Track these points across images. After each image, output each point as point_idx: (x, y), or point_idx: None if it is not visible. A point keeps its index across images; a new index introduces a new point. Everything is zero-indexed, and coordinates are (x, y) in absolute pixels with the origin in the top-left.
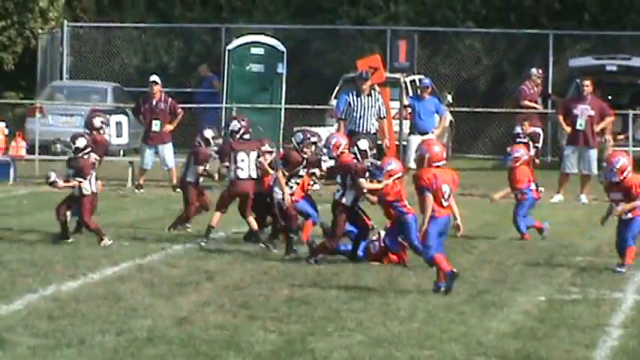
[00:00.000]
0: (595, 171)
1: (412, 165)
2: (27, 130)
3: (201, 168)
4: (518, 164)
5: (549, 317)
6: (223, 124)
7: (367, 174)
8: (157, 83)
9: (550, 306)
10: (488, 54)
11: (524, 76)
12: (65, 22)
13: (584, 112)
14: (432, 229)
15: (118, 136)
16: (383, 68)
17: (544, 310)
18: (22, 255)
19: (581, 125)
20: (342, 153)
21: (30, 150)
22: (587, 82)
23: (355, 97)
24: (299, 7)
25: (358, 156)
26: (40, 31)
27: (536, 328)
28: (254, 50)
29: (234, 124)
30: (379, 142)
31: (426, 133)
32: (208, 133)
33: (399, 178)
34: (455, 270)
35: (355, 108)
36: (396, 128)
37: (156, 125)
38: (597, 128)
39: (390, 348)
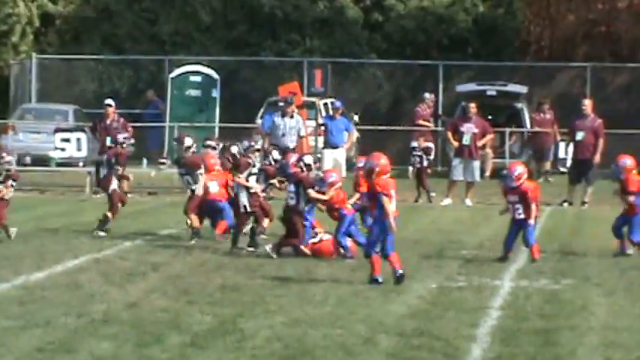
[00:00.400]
0: (478, 179)
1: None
2: (2, 145)
3: (273, 181)
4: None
5: (440, 301)
6: (174, 140)
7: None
8: (111, 106)
9: (440, 292)
10: (389, 81)
11: (419, 100)
12: (34, 54)
13: (469, 129)
14: (376, 229)
15: (78, 150)
16: (300, 93)
17: (435, 295)
18: None
19: (466, 141)
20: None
21: None
22: (473, 105)
23: (280, 118)
24: (230, 42)
25: (304, 169)
26: (11, 61)
27: (429, 310)
28: (192, 78)
29: (188, 140)
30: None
31: (337, 147)
32: (234, 149)
33: (339, 187)
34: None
35: (279, 127)
36: (312, 143)
37: (110, 141)
38: (480, 143)
39: (306, 328)
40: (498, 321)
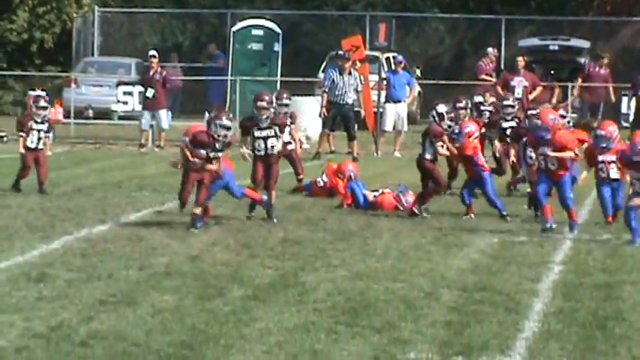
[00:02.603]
0: None
1: (387, 129)
2: (64, 99)
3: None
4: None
5: (502, 256)
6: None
7: (444, 136)
8: (154, 57)
9: (502, 246)
10: (451, 35)
11: (481, 54)
12: (96, 7)
13: (519, 83)
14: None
15: (140, 103)
16: (363, 47)
17: (497, 250)
18: (59, 203)
19: (518, 94)
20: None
21: (66, 115)
22: (520, 58)
23: (338, 75)
24: None
25: (436, 118)
26: (74, 15)
27: (491, 265)
28: (254, 32)
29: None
30: (357, 110)
31: (399, 101)
32: (442, 108)
33: (476, 137)
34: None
35: (338, 85)
36: (375, 97)
37: (150, 92)
38: (531, 96)
39: (368, 281)
40: (560, 275)
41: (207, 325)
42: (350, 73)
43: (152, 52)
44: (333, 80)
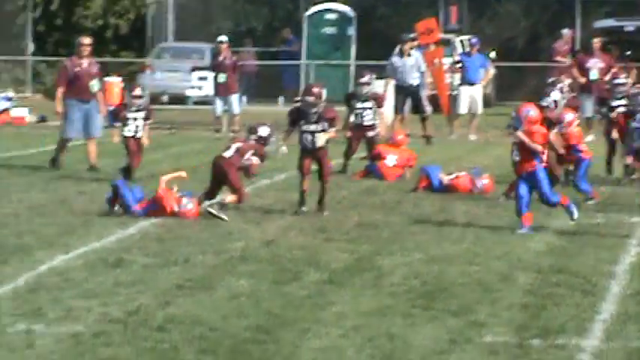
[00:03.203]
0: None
1: (462, 111)
2: (139, 85)
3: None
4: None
5: (578, 238)
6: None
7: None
8: (224, 42)
9: (578, 228)
10: (526, 17)
11: (556, 36)
12: None
13: (595, 64)
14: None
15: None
16: (437, 30)
17: (573, 232)
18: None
19: (594, 75)
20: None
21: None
22: (596, 40)
23: (399, 58)
24: None
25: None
26: (149, 0)
27: (567, 247)
28: (328, 16)
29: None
30: (429, 91)
31: (474, 84)
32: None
33: (577, 124)
34: None
35: (398, 68)
36: (449, 80)
37: (222, 78)
38: (606, 78)
39: (443, 264)
40: (637, 257)
41: (283, 309)
42: (409, 55)
43: (221, 38)
44: (393, 63)
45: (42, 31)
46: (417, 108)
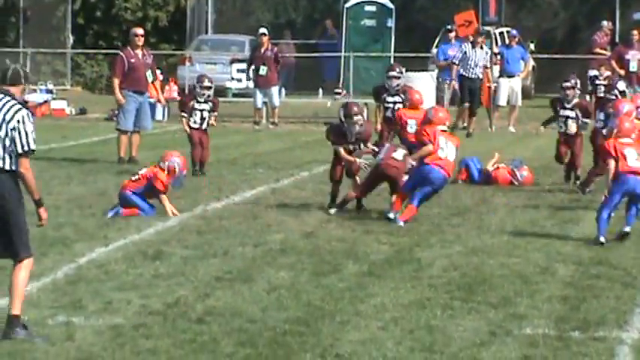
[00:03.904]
0: None
1: (502, 103)
2: (178, 76)
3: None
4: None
5: (618, 230)
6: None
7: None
8: (265, 35)
9: (618, 221)
10: (565, 9)
11: (596, 28)
12: None
13: (634, 56)
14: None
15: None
16: (476, 22)
17: (613, 225)
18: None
19: (633, 67)
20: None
21: (181, 93)
22: (635, 32)
23: (471, 49)
24: None
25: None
26: None
27: (607, 240)
28: (367, 8)
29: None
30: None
31: (513, 76)
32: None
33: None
34: None
35: (470, 57)
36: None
37: (263, 70)
38: None
39: (483, 256)
40: None
41: (323, 301)
42: (482, 48)
43: (262, 30)
44: (466, 52)
45: (81, 23)
46: (472, 102)
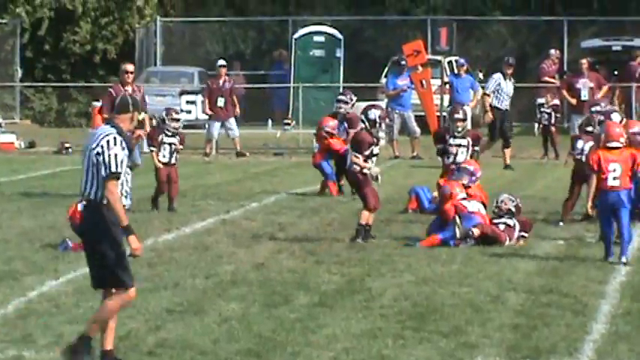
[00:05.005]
0: None
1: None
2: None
3: None
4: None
5: (568, 258)
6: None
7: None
8: (224, 66)
9: (568, 248)
10: (513, 38)
11: (544, 56)
12: (158, 17)
13: (585, 84)
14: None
15: (203, 112)
16: (424, 51)
17: (563, 252)
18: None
19: (584, 96)
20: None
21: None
22: (584, 60)
23: (503, 80)
24: (353, 1)
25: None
26: (137, 25)
27: (557, 267)
28: (316, 38)
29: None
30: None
31: (463, 105)
32: (374, 114)
33: None
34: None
35: (503, 89)
36: (437, 102)
37: (221, 101)
38: (598, 96)
39: (434, 286)
40: (627, 277)
41: (274, 332)
42: (510, 79)
43: (221, 62)
44: (499, 84)
45: (30, 56)
46: (507, 134)
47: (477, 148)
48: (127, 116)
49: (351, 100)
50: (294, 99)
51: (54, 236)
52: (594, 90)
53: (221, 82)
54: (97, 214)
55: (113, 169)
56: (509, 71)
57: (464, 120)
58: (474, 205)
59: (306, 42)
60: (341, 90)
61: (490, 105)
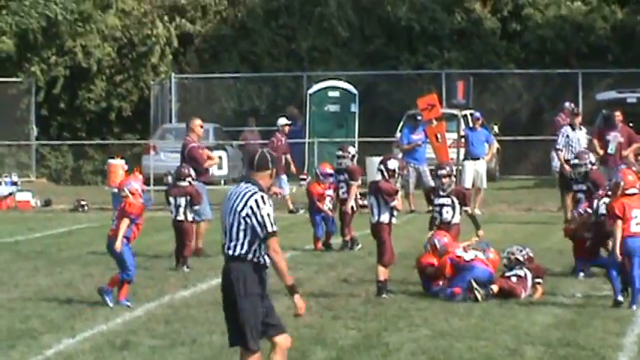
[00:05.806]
0: None
1: (467, 186)
2: (143, 166)
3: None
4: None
5: (585, 310)
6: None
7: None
8: (290, 125)
9: (586, 301)
10: (528, 91)
11: (559, 109)
12: (172, 74)
13: (615, 138)
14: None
15: (219, 169)
16: (439, 105)
17: (581, 305)
18: (141, 270)
19: (611, 150)
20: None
21: (145, 182)
22: (618, 113)
23: (571, 131)
24: (367, 56)
25: (386, 175)
26: (151, 82)
27: (575, 320)
28: (331, 93)
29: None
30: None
31: (478, 158)
32: (393, 164)
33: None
34: None
35: (572, 139)
36: (453, 155)
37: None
38: (625, 153)
39: (451, 340)
40: None
41: None
42: (580, 129)
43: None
44: (568, 136)
45: (45, 114)
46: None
47: (466, 208)
48: (266, 173)
49: (349, 153)
50: (309, 154)
51: (71, 294)
52: (623, 145)
53: (284, 139)
54: (239, 270)
55: (270, 230)
56: (577, 120)
57: (449, 176)
58: (470, 254)
59: (321, 97)
60: (356, 145)
61: (565, 159)
